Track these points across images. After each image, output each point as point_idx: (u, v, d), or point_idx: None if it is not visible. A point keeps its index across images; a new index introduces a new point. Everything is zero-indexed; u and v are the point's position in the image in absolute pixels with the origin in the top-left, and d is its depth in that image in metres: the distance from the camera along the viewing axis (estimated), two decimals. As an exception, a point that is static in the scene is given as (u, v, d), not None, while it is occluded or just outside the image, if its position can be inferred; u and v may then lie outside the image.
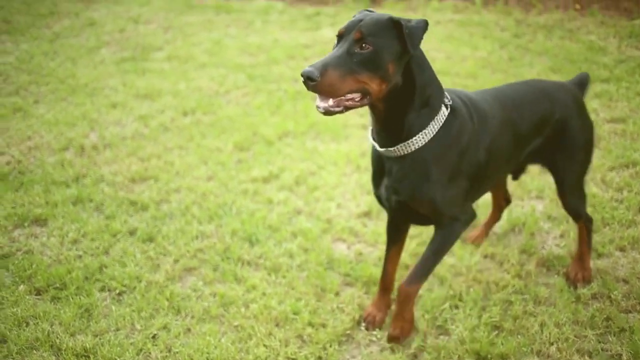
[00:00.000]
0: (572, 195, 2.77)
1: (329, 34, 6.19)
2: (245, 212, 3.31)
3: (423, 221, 2.52)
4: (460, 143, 2.37)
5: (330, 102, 2.13)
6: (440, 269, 2.89)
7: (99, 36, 6.23)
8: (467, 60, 5.44)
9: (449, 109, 2.34)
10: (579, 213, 2.82)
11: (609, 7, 6.99)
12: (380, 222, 3.24)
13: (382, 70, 2.13)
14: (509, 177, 2.98)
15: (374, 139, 2.39)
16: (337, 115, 4.35)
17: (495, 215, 3.18)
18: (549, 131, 2.65)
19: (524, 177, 3.62)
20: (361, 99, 2.16)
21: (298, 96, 4.72)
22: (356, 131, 4.20)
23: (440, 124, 2.32)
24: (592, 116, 4.32)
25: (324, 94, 2.10)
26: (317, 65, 2.07)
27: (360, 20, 2.15)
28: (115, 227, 3.21)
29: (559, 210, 3.31)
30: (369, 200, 3.42)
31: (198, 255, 3.01)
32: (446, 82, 4.98)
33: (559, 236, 3.15)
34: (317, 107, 2.13)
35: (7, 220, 3.31)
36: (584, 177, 2.80)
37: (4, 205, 3.44)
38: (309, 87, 2.08)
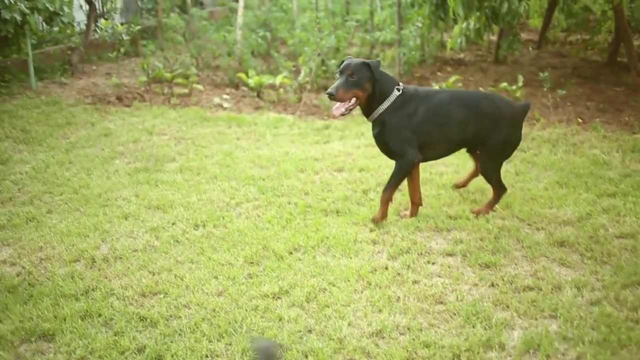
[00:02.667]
0: (486, 169, 4.68)
1: (339, 147, 6.33)
2: (255, 330, 3.27)
3: (391, 156, 4.55)
4: (403, 110, 4.40)
5: (341, 109, 4.30)
6: (456, 393, 2.82)
7: (114, 147, 6.38)
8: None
9: (400, 92, 4.41)
10: (490, 179, 4.71)
11: (611, 122, 7.18)
12: (393, 342, 3.20)
13: (363, 87, 4.32)
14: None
15: (365, 115, 4.51)
16: (348, 231, 4.40)
17: (474, 172, 5.10)
18: (481, 126, 4.53)
19: (534, 294, 3.61)
20: (355, 102, 4.33)
21: (309, 210, 4.77)
22: (367, 246, 4.21)
23: (390, 102, 4.38)
24: (601, 231, 4.37)
25: (338, 101, 4.26)
26: (334, 87, 4.23)
27: (349, 64, 4.31)
28: (123, 344, 3.17)
29: (574, 331, 3.27)
30: (382, 318, 3.38)
31: (208, 376, 2.95)
32: (455, 196, 5.05)
33: (575, 358, 3.09)
34: (334, 114, 4.32)
35: (14, 334, 3.28)
36: (497, 161, 4.70)
37: (11, 319, 3.41)
38: (331, 99, 4.28)
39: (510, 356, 3.10)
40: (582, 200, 4.96)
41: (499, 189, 4.73)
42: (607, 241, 4.25)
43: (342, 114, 4.30)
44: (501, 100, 4.70)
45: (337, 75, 4.34)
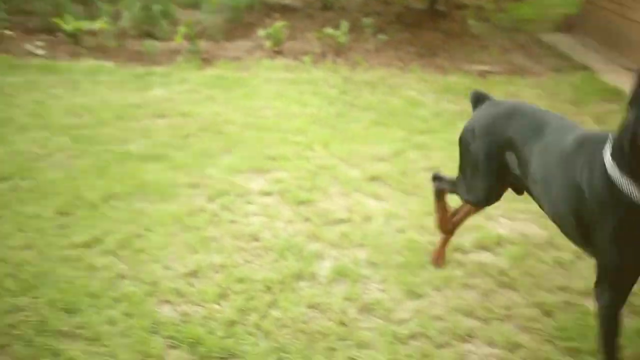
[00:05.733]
0: None
1: (161, 93, 6.14)
2: (64, 281, 3.14)
3: None
4: None
5: None
6: (265, 322, 2.92)
7: None
8: (297, 117, 5.62)
9: None
10: None
11: (428, 65, 7.59)
12: (207, 280, 3.22)
13: None
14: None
15: None
16: (167, 176, 4.31)
17: None
18: None
19: (346, 227, 3.79)
20: None
21: (126, 157, 4.62)
22: (185, 190, 4.16)
23: None
24: (412, 165, 4.66)
25: None
26: None
27: None
28: None
29: (380, 257, 3.48)
30: (197, 259, 3.39)
31: (10, 331, 2.81)
32: (275, 139, 5.11)
33: (379, 281, 3.30)
34: None
35: None
36: None
37: None
38: None
39: (321, 284, 3.25)
40: (397, 137, 5.23)
41: None
42: (415, 173, 4.54)
43: None
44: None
45: None
